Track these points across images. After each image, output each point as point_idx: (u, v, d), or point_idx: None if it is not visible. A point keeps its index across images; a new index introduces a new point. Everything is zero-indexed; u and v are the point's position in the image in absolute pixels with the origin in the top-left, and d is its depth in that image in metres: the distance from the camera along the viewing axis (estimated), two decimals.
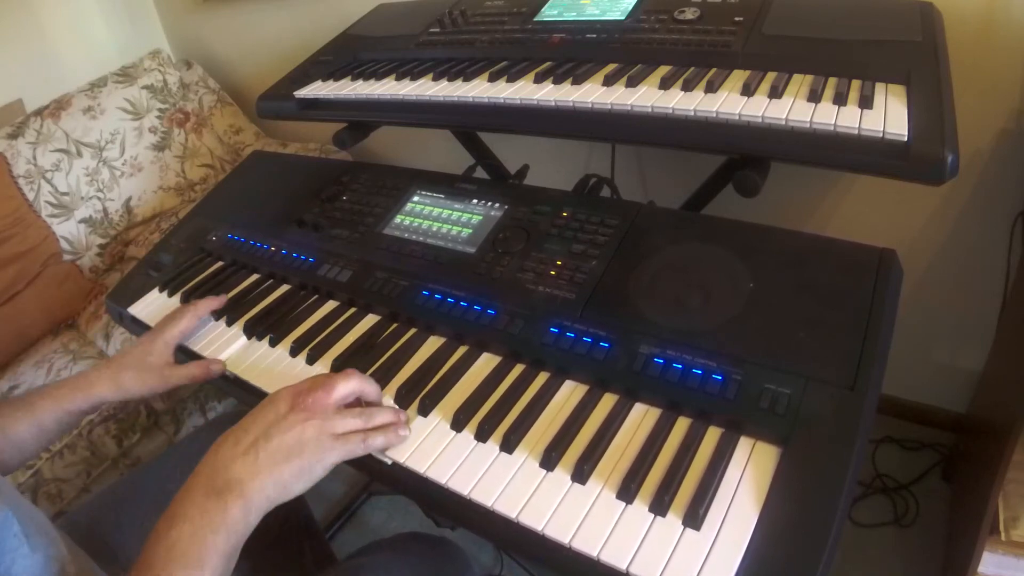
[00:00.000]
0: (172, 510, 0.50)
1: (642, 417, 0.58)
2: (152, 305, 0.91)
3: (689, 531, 0.48)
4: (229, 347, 0.78)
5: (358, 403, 0.62)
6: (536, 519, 0.51)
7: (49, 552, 0.50)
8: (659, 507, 0.50)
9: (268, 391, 0.70)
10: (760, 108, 0.68)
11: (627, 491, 0.51)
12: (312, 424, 0.55)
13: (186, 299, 0.89)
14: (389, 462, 0.59)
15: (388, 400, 0.65)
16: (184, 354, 0.81)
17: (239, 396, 0.75)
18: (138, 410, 1.37)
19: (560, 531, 0.50)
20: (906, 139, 0.61)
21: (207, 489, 0.51)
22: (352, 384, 0.59)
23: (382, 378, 0.67)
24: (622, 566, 0.47)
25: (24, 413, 0.70)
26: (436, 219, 0.84)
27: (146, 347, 0.76)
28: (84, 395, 0.72)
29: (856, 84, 0.70)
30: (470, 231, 0.80)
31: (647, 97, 0.74)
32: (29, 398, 0.71)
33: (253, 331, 0.79)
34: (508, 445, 0.57)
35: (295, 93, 1.02)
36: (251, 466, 0.52)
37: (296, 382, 0.59)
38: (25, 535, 0.48)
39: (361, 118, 1.01)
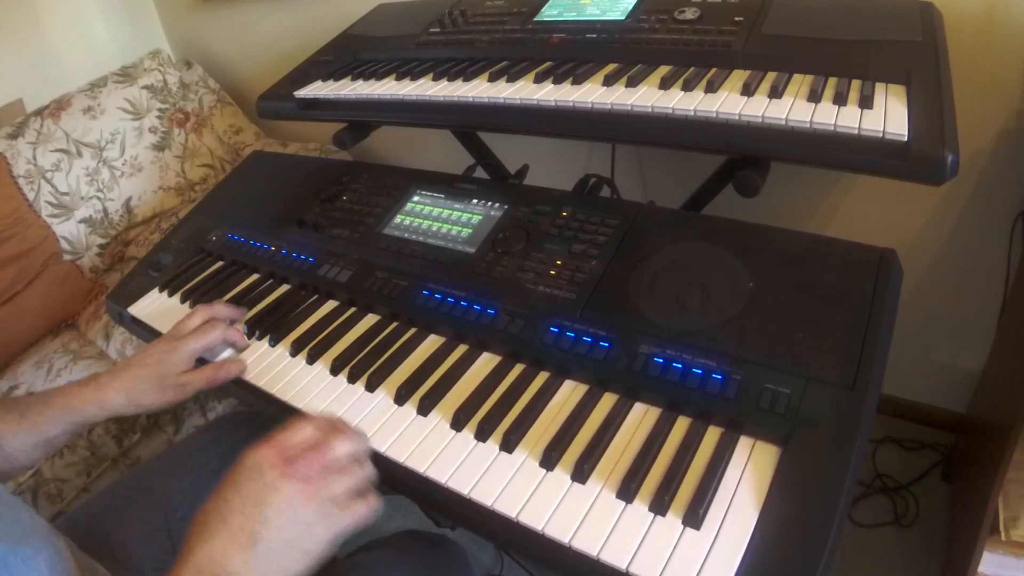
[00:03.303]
0: None
1: (642, 417, 0.58)
2: (152, 305, 0.91)
3: (689, 531, 0.48)
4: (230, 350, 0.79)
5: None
6: (536, 519, 0.51)
7: (56, 570, 0.49)
8: (659, 507, 0.50)
9: (270, 391, 0.70)
10: (760, 108, 0.68)
11: (627, 491, 0.51)
12: (312, 499, 0.48)
13: (185, 299, 0.89)
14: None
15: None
16: None
17: (240, 396, 0.75)
18: None
19: (560, 531, 0.50)
20: (906, 139, 0.61)
21: None
22: (351, 443, 0.53)
23: (382, 377, 0.67)
24: (622, 566, 0.47)
25: (30, 424, 0.66)
26: (436, 219, 0.84)
27: (164, 358, 0.71)
28: (95, 406, 0.68)
29: (856, 84, 0.70)
30: (470, 231, 0.80)
31: (647, 97, 0.74)
32: (36, 406, 0.67)
33: (253, 331, 0.79)
34: (508, 445, 0.57)
35: (295, 93, 1.02)
36: (251, 560, 0.45)
37: (280, 437, 0.52)
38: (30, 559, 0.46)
39: (361, 118, 1.01)
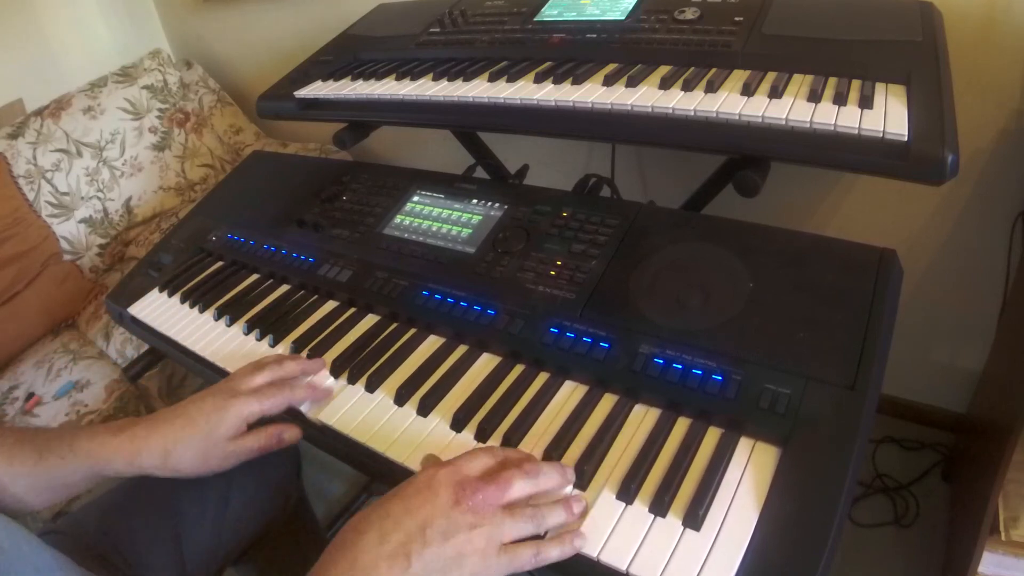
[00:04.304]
0: None
1: (642, 417, 0.58)
2: (152, 305, 0.91)
3: (689, 531, 0.48)
4: (230, 347, 0.78)
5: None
6: None
7: None
8: (659, 507, 0.50)
9: None
10: (760, 108, 0.68)
11: (627, 491, 0.51)
12: (480, 532, 0.46)
13: (185, 299, 0.89)
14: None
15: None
16: (175, 348, 0.81)
17: None
18: (138, 410, 1.37)
19: None
20: (906, 139, 0.61)
21: None
22: (530, 486, 0.50)
23: (382, 378, 0.67)
24: (622, 567, 0.47)
25: (48, 467, 0.60)
26: (436, 219, 0.84)
27: (214, 417, 0.61)
28: (124, 462, 0.60)
29: (856, 84, 0.70)
30: (470, 231, 0.80)
31: (647, 97, 0.74)
32: (58, 448, 0.60)
33: (253, 330, 0.79)
34: (508, 445, 0.57)
35: (295, 93, 1.02)
36: (400, 575, 0.44)
37: (459, 462, 0.50)
38: None
39: (361, 118, 1.01)
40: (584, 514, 0.50)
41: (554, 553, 0.48)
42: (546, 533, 0.50)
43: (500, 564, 0.46)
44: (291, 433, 0.63)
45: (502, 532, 0.47)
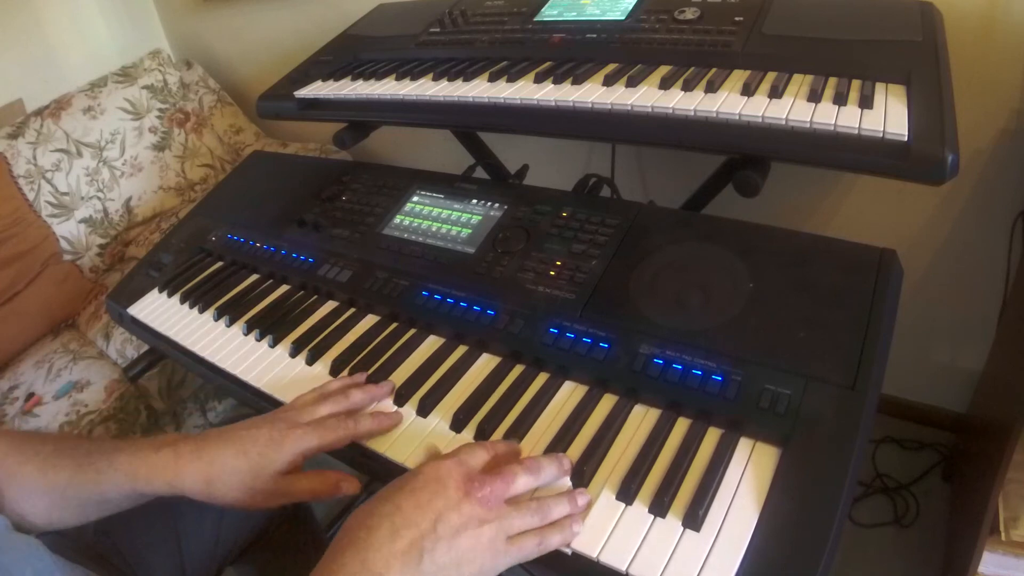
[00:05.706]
0: None
1: (642, 417, 0.58)
2: (152, 305, 0.91)
3: (689, 532, 0.48)
4: (229, 347, 0.78)
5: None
6: None
7: None
8: (659, 508, 0.50)
9: (269, 392, 0.70)
10: (760, 108, 0.68)
11: (627, 492, 0.51)
12: (490, 525, 0.46)
13: (185, 299, 0.89)
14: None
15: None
16: (175, 349, 0.81)
17: (240, 397, 0.75)
18: (138, 410, 1.37)
19: None
20: (906, 139, 0.61)
21: None
22: (533, 480, 0.51)
23: (383, 378, 0.67)
24: (622, 567, 0.47)
25: (84, 481, 0.56)
26: (436, 219, 0.84)
27: (268, 451, 0.56)
28: (164, 482, 0.56)
29: (856, 84, 0.70)
30: (470, 231, 0.80)
31: (647, 97, 0.74)
32: (97, 461, 0.57)
33: (252, 330, 0.79)
34: None
35: (295, 93, 1.02)
36: (412, 572, 0.43)
37: (461, 456, 0.50)
38: None
39: (361, 118, 1.01)
40: (589, 506, 0.51)
41: (555, 540, 0.48)
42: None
43: (508, 556, 0.47)
44: (349, 485, 0.57)
45: (509, 525, 0.47)
